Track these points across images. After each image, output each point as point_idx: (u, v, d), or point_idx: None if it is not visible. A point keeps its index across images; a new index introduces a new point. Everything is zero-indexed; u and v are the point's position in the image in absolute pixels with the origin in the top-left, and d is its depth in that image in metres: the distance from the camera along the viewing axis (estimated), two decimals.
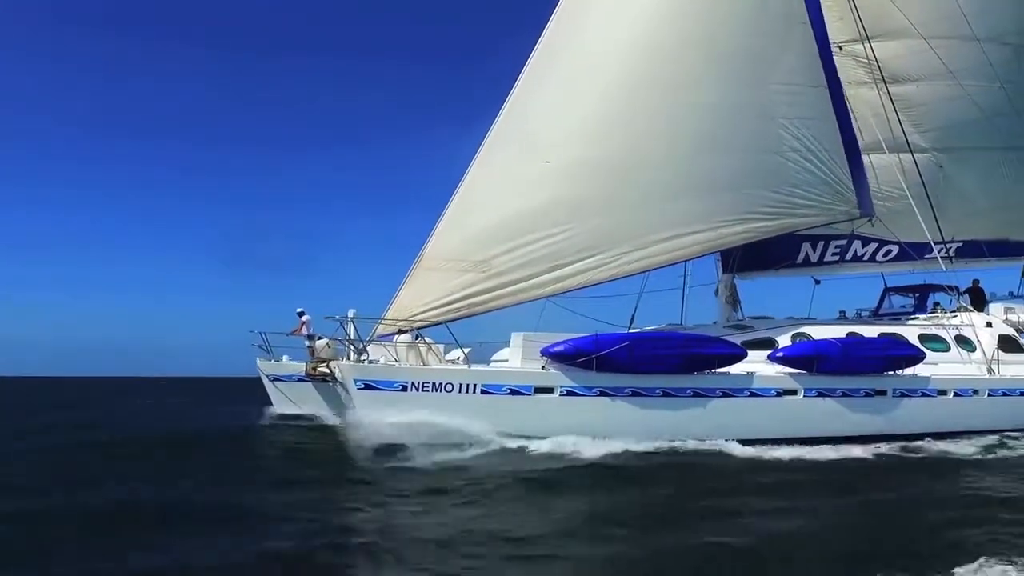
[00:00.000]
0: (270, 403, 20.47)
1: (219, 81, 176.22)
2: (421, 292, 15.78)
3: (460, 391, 13.38)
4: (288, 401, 20.11)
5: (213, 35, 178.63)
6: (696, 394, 14.39)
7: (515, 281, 15.66)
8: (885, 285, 23.22)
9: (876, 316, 22.27)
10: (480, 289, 15.66)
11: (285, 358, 20.56)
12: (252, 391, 23.13)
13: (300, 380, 19.96)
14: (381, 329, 15.47)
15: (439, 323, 15.84)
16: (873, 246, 21.43)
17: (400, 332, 14.86)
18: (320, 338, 19.60)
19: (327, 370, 18.36)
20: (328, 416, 19.63)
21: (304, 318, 20.65)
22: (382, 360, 14.53)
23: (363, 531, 8.35)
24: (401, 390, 13.22)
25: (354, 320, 15.68)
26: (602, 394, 13.88)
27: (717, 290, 21.10)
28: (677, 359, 14.26)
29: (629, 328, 18.70)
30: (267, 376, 20.31)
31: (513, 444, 13.19)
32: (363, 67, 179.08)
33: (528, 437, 13.32)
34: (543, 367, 13.94)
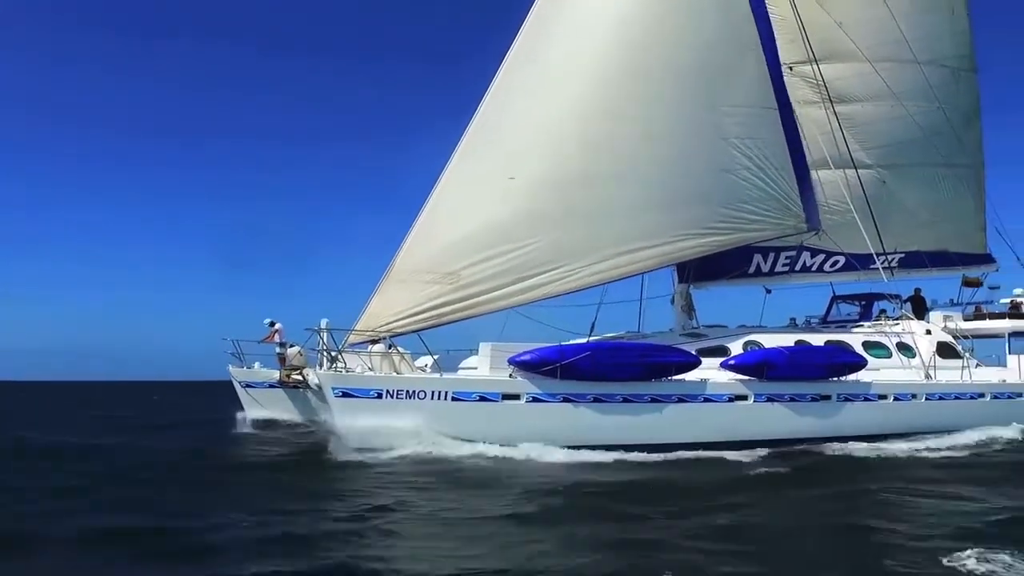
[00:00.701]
0: (242, 408, 20.97)
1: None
2: (391, 302, 16.48)
3: (432, 398, 14.10)
4: (259, 406, 20.65)
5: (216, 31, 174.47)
6: (654, 400, 15.27)
7: (482, 292, 16.43)
8: (833, 293, 24.36)
9: (824, 323, 23.39)
10: (449, 300, 16.40)
11: (257, 365, 21.07)
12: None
13: (271, 387, 20.53)
14: (353, 338, 16.17)
15: (409, 332, 16.58)
16: (821, 257, 22.48)
17: (374, 342, 15.51)
18: (292, 346, 20.23)
19: (300, 378, 19.05)
20: (297, 420, 20.33)
21: (276, 327, 21.17)
22: (358, 368, 15.15)
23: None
24: (376, 397, 13.90)
25: (328, 330, 16.40)
26: (566, 400, 14.70)
27: (673, 299, 21.99)
28: (636, 367, 15.12)
29: (590, 336, 19.51)
30: (239, 382, 20.80)
31: (477, 448, 13.94)
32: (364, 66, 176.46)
33: (496, 443, 14.07)
34: (510, 375, 14.70)
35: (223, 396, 23.52)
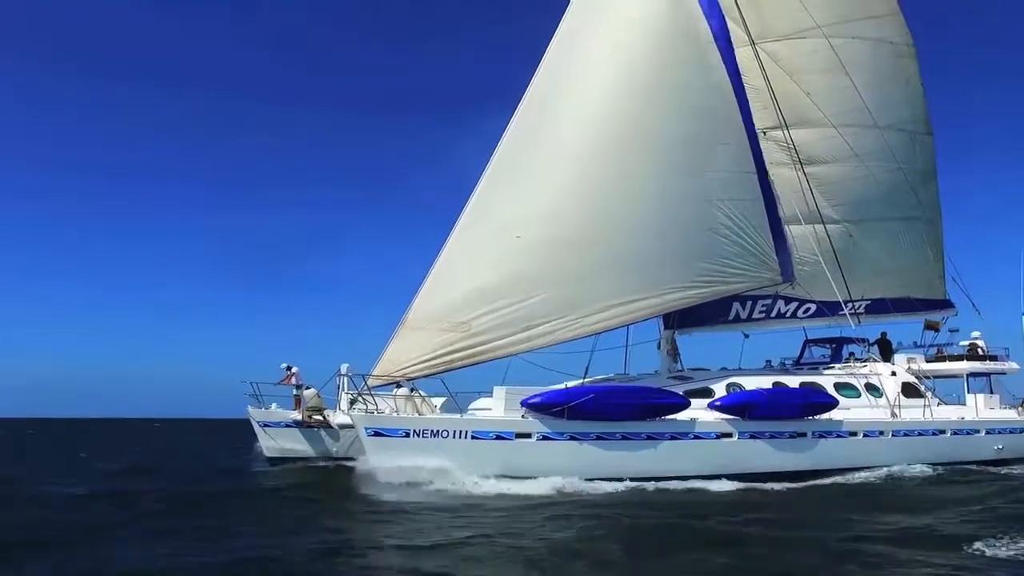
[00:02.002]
0: (259, 445, 22.37)
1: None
2: (407, 349, 18.16)
3: (454, 437, 15.70)
4: (276, 444, 22.05)
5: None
6: (649, 437, 16.97)
7: (491, 340, 18.15)
8: (806, 337, 26.26)
9: (797, 365, 25.20)
10: (460, 347, 18.11)
11: (274, 406, 22.50)
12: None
13: (287, 426, 21.97)
14: (372, 381, 17.78)
15: (422, 376, 18.24)
16: (794, 304, 24.51)
17: (398, 385, 17.13)
18: (308, 388, 21.75)
19: (320, 418, 20.56)
20: (312, 456, 21.79)
21: (292, 371, 22.68)
22: (387, 410, 16.71)
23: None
24: (404, 436, 15.49)
25: (347, 375, 18.08)
26: (572, 438, 16.36)
27: (659, 344, 23.77)
28: (633, 408, 16.85)
29: (584, 379, 21.19)
30: (257, 422, 22.20)
31: (494, 482, 15.52)
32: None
33: (510, 477, 15.66)
34: (523, 416, 16.35)
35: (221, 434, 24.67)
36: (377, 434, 15.43)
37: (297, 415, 21.89)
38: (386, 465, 15.10)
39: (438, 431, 15.67)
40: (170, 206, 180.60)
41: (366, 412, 15.88)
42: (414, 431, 15.56)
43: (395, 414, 16.44)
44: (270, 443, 22.06)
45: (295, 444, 21.86)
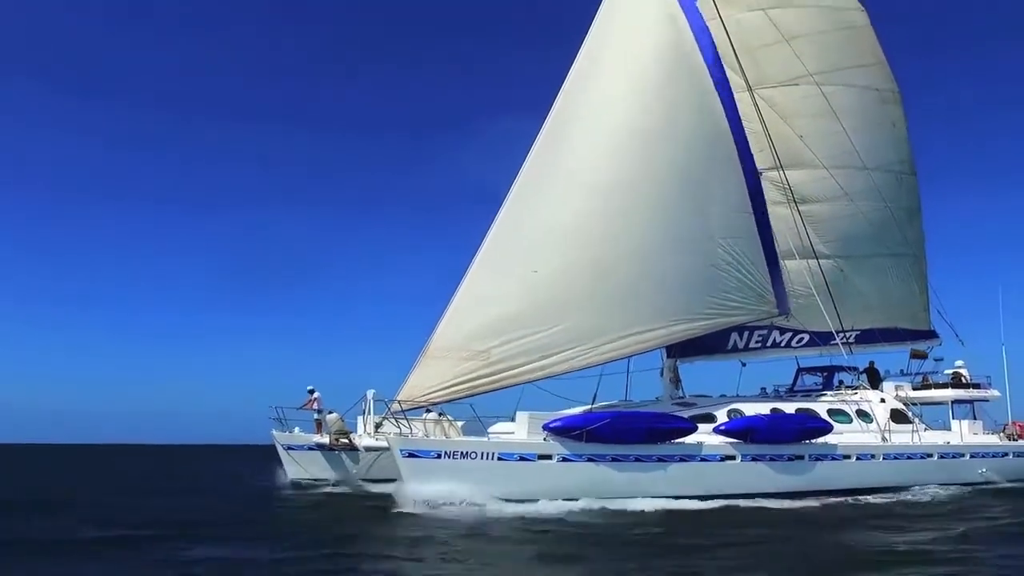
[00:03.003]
0: (283, 468, 23.44)
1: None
2: (430, 376, 19.39)
3: (482, 458, 16.91)
4: (299, 467, 23.14)
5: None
6: (660, 460, 18.23)
7: (510, 368, 19.42)
8: (798, 365, 27.66)
9: (791, 392, 26.52)
10: (480, 374, 19.36)
11: (296, 429, 23.61)
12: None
13: (310, 449, 23.08)
14: (395, 407, 18.99)
15: (444, 402, 19.49)
16: (789, 335, 25.90)
17: (427, 410, 18.36)
18: (331, 412, 22.90)
19: (347, 441, 21.70)
20: (334, 479, 22.85)
21: (314, 395, 23.83)
22: (420, 433, 17.92)
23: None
24: (436, 458, 16.69)
25: (373, 399, 19.31)
26: (590, 460, 17.60)
27: (662, 372, 25.09)
28: (645, 432, 18.12)
29: (592, 404, 22.45)
30: (282, 445, 23.30)
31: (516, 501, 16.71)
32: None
33: (532, 497, 16.85)
34: (544, 439, 17.59)
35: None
36: (411, 455, 16.61)
37: (319, 438, 23.00)
38: (419, 484, 16.27)
39: (467, 452, 16.87)
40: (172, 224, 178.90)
41: (400, 435, 17.02)
42: (445, 452, 16.76)
43: (426, 436, 17.62)
44: (294, 466, 23.15)
45: (318, 467, 22.95)
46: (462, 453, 16.84)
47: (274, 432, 23.40)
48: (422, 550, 12.38)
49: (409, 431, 17.17)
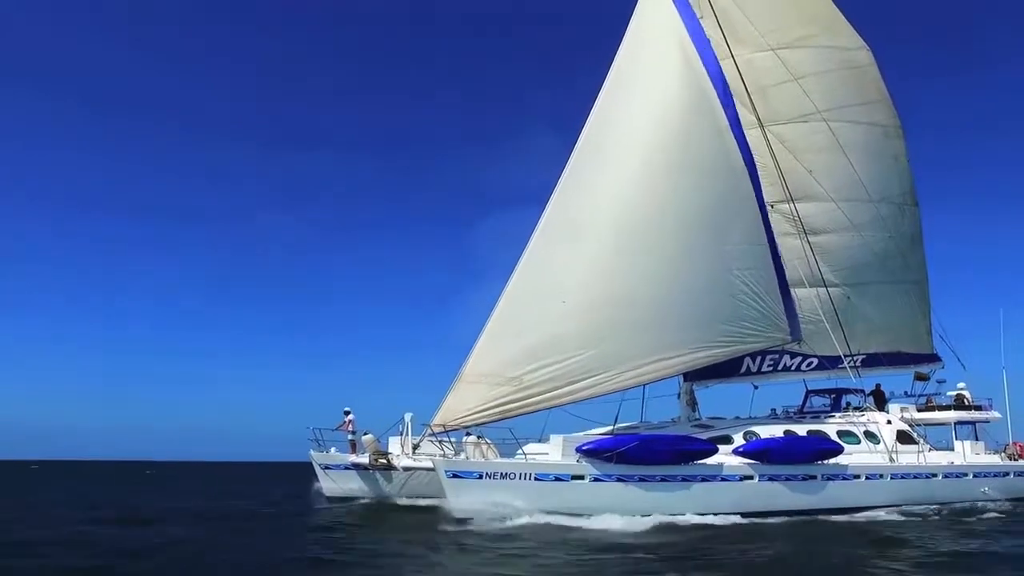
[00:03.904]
0: (320, 486, 24.60)
1: None
2: (464, 400, 20.70)
3: (520, 478, 18.14)
4: (335, 485, 24.30)
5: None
6: (683, 479, 19.45)
7: (540, 393, 20.72)
8: (807, 388, 28.86)
9: (800, 414, 27.72)
10: (512, 399, 20.65)
11: (333, 450, 24.77)
12: None
13: (346, 468, 24.24)
14: (432, 428, 20.30)
15: (478, 425, 20.73)
16: (799, 359, 27.16)
17: (468, 433, 19.62)
18: (366, 434, 24.07)
19: (385, 461, 22.89)
20: (369, 497, 23.99)
21: (349, 416, 25.02)
22: (454, 454, 19.16)
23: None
24: (478, 478, 17.91)
25: (411, 421, 20.63)
26: (619, 480, 18.82)
27: (679, 395, 26.35)
28: (670, 454, 19.37)
29: (614, 426, 23.67)
30: (319, 464, 24.46)
31: (553, 519, 17.92)
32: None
33: (567, 513, 18.06)
34: (577, 460, 18.81)
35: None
36: (455, 476, 17.85)
37: (354, 458, 24.17)
38: (462, 502, 17.49)
39: (506, 473, 18.10)
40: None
41: (445, 456, 18.26)
42: (486, 473, 17.99)
43: (467, 458, 18.86)
44: (330, 484, 24.31)
45: (353, 485, 24.11)
46: (501, 474, 18.07)
47: (312, 452, 24.55)
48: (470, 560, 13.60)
49: (453, 453, 18.37)
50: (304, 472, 26.23)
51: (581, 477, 18.65)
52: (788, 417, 26.65)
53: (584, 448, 18.84)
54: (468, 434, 19.90)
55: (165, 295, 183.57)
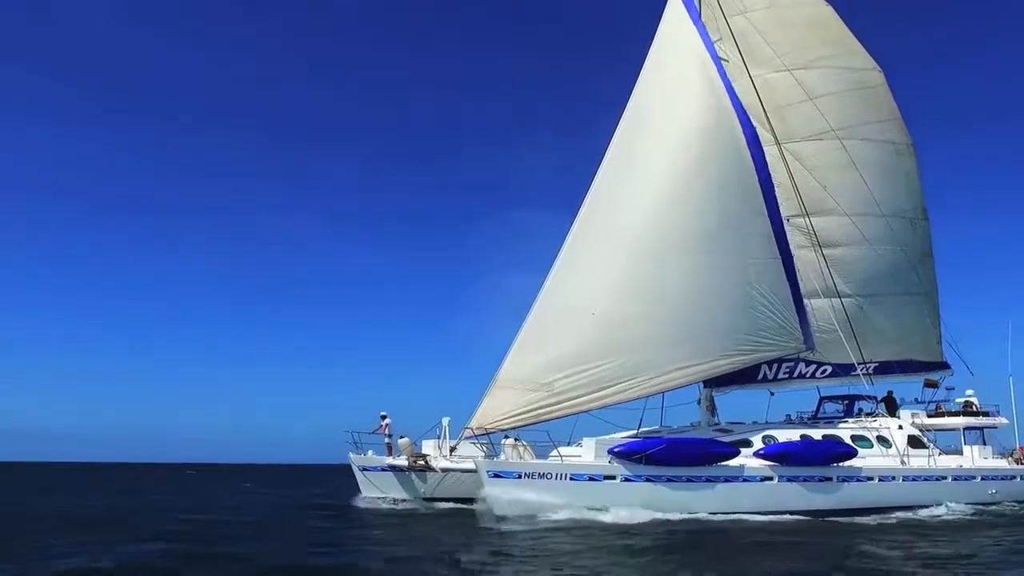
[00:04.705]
0: (359, 487, 25.89)
1: None
2: (499, 405, 22.04)
3: (556, 478, 19.41)
4: (373, 487, 25.57)
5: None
6: (708, 480, 20.70)
7: (571, 398, 22.05)
8: (820, 395, 30.03)
9: (814, 419, 28.85)
10: (545, 404, 21.99)
11: (370, 452, 26.06)
12: None
13: (383, 470, 25.52)
14: (467, 433, 21.64)
15: (512, 428, 22.03)
16: (814, 367, 28.28)
17: (506, 436, 20.91)
18: (402, 437, 25.36)
19: (423, 462, 24.17)
20: (405, 498, 25.26)
21: (386, 420, 26.31)
22: (489, 456, 20.45)
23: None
24: (518, 478, 19.19)
25: (448, 425, 21.94)
26: (648, 480, 20.08)
27: (699, 401, 27.55)
28: (696, 456, 20.64)
29: (638, 430, 24.91)
30: (358, 467, 25.75)
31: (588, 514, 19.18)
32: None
33: (599, 509, 19.32)
34: (609, 461, 20.08)
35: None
36: (497, 475, 19.13)
37: (391, 460, 25.45)
38: (504, 500, 18.77)
39: (544, 473, 19.38)
40: None
41: (486, 458, 19.56)
42: (525, 473, 19.27)
43: (507, 460, 20.16)
44: (368, 485, 25.59)
45: (390, 486, 25.38)
46: (539, 474, 19.35)
47: (351, 455, 25.83)
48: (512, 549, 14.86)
49: (495, 454, 19.66)
50: (320, 474, 27.43)
51: (613, 477, 19.91)
52: (803, 422, 27.81)
53: (615, 450, 20.12)
54: (506, 437, 21.19)
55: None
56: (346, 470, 26.87)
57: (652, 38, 26.29)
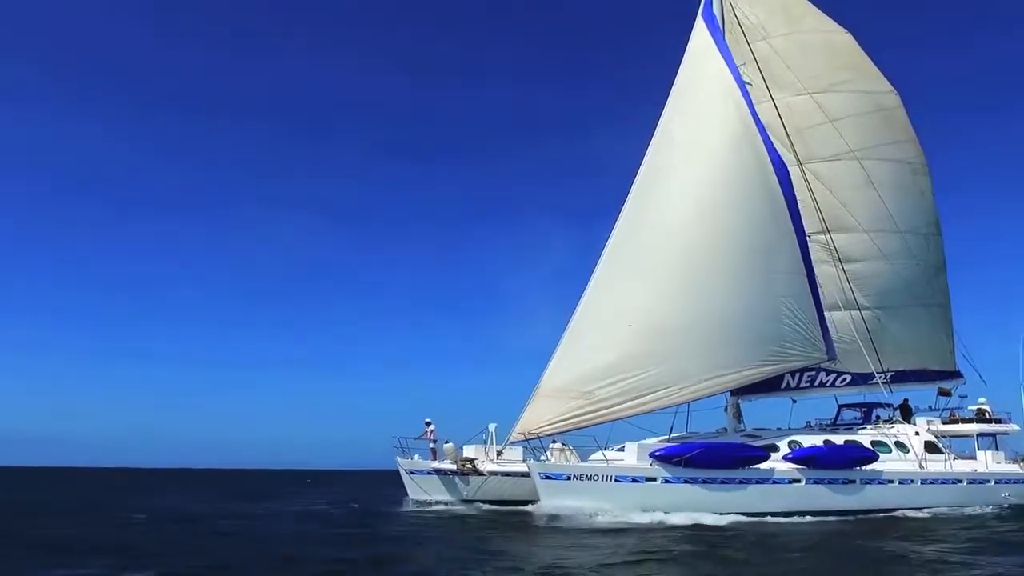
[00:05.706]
0: (406, 491, 27.34)
1: None
2: (543, 412, 23.54)
3: (602, 480, 20.89)
4: (420, 490, 27.02)
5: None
6: (742, 482, 22.16)
7: (610, 406, 23.53)
8: (838, 403, 31.44)
9: (834, 426, 30.25)
10: (586, 411, 23.49)
11: (416, 457, 27.51)
12: None
13: (429, 474, 26.97)
14: (514, 438, 23.14)
15: (555, 434, 23.53)
16: (834, 375, 29.72)
17: (554, 441, 22.41)
18: (447, 443, 26.82)
19: (471, 466, 25.64)
20: (451, 501, 26.69)
21: (430, 427, 27.78)
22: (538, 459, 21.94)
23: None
24: (567, 480, 20.68)
25: (494, 431, 23.45)
26: (686, 482, 21.56)
27: (726, 408, 28.99)
28: (731, 460, 22.13)
29: (670, 435, 26.35)
30: (405, 471, 27.21)
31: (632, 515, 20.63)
32: None
33: (640, 510, 20.78)
34: (650, 464, 21.56)
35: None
36: (548, 478, 20.64)
37: (437, 464, 26.91)
38: (553, 500, 20.26)
39: (591, 475, 20.87)
40: None
41: (538, 461, 21.06)
42: (574, 475, 20.77)
43: (556, 463, 21.66)
44: (415, 488, 27.04)
45: (436, 488, 26.84)
46: (587, 476, 20.85)
47: (398, 459, 27.29)
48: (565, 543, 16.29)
49: (536, 458, 21.17)
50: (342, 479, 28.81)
51: (653, 479, 21.38)
52: (823, 428, 29.25)
53: (656, 454, 21.60)
54: (554, 441, 22.69)
55: None
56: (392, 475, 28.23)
57: (670, 59, 27.93)
